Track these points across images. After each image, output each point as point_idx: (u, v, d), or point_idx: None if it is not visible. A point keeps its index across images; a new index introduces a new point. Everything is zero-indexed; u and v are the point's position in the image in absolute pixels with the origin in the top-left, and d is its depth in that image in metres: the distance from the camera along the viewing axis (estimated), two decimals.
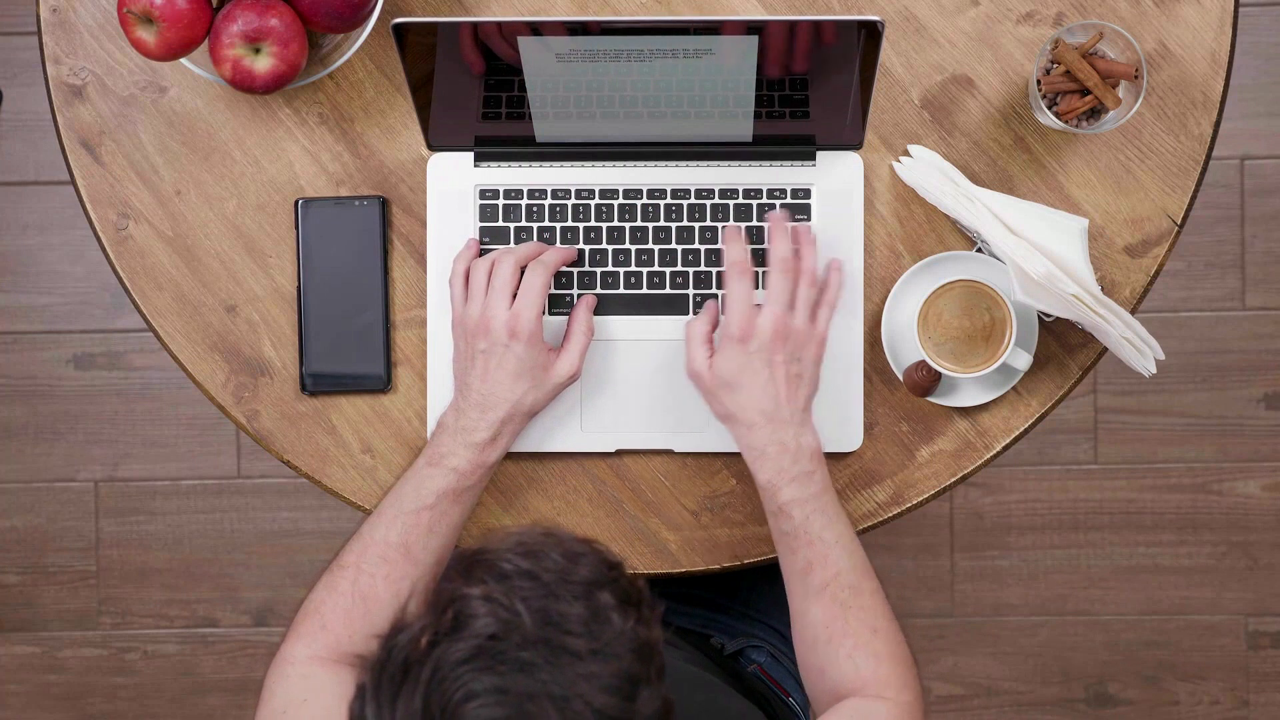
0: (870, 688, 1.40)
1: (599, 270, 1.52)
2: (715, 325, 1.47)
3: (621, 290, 1.52)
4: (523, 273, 1.46)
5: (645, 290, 1.52)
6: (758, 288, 1.49)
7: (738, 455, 1.49)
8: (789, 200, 1.52)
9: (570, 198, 1.52)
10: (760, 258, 1.50)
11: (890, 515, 1.54)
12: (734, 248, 1.47)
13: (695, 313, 1.51)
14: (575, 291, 1.52)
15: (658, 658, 1.09)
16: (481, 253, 1.51)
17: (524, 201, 1.52)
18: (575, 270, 1.52)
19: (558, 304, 1.52)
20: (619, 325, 1.52)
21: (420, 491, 1.44)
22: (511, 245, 1.51)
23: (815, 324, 1.45)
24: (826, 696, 1.42)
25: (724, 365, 1.43)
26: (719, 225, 1.51)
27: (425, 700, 1.04)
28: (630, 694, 1.05)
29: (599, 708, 1.04)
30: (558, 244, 1.52)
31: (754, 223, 1.52)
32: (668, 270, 1.52)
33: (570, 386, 1.50)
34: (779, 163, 1.52)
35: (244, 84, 1.45)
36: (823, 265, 1.49)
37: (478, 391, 1.45)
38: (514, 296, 1.45)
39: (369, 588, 1.42)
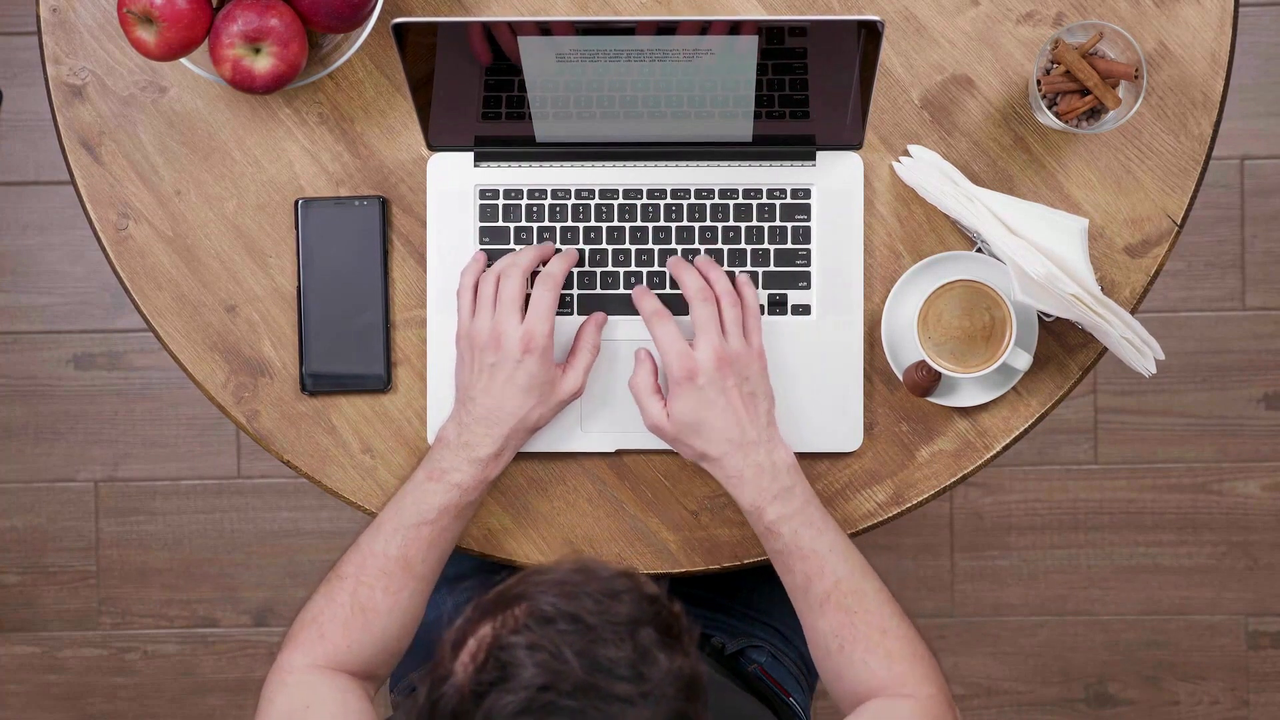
0: (890, 688, 1.40)
1: (599, 270, 1.52)
2: (656, 374, 1.47)
3: (621, 290, 1.52)
4: (530, 283, 1.46)
5: None
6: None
7: None
8: (789, 200, 1.52)
9: (570, 198, 1.52)
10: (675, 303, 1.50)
11: (890, 515, 1.54)
12: (645, 301, 1.48)
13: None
14: (575, 292, 1.52)
15: (703, 693, 1.07)
16: (489, 262, 1.51)
17: (524, 201, 1.52)
18: (575, 270, 1.52)
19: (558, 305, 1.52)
20: (619, 325, 1.52)
21: (421, 506, 1.44)
22: (516, 250, 1.51)
23: (750, 340, 1.45)
24: (848, 700, 1.42)
25: (680, 409, 1.43)
26: (719, 225, 1.52)
27: None
28: None
29: None
30: (557, 243, 1.52)
31: (753, 222, 1.52)
32: (668, 270, 1.52)
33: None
34: (779, 163, 1.52)
35: (244, 84, 1.45)
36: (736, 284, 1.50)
37: (483, 405, 1.44)
38: (523, 309, 1.45)
39: (368, 599, 1.42)
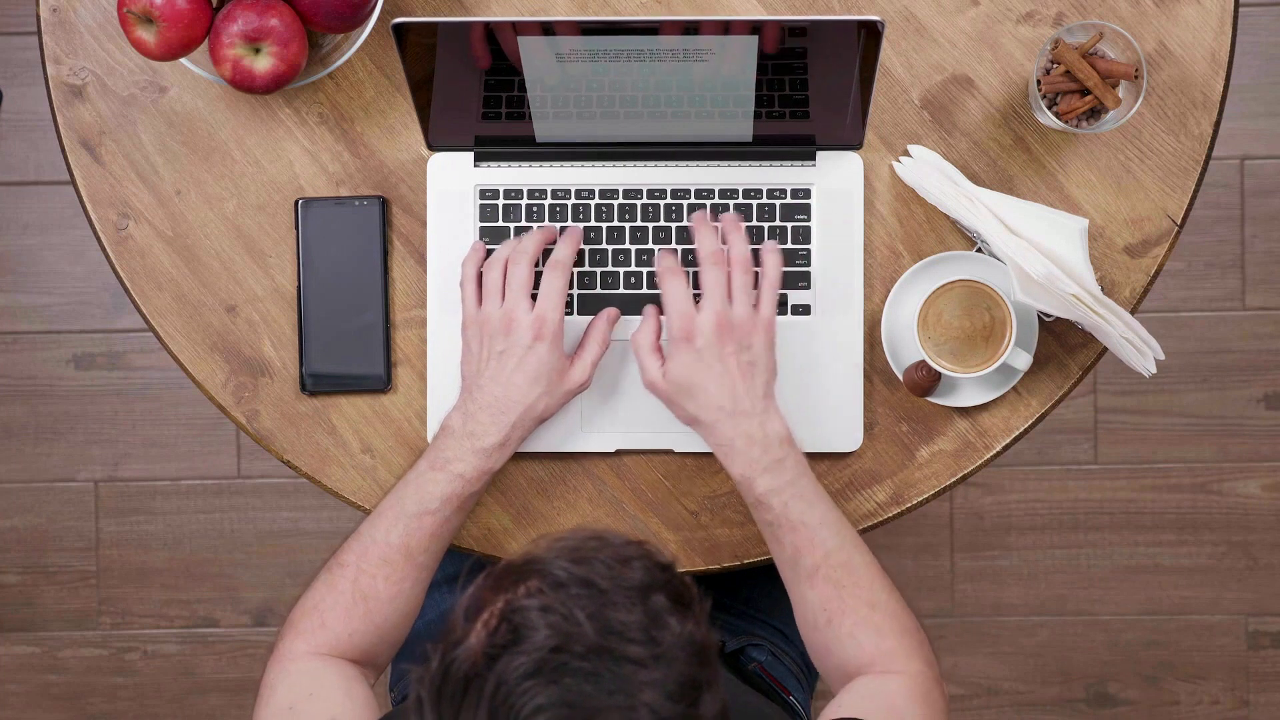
0: (877, 663, 1.39)
1: (599, 270, 1.52)
2: (659, 333, 1.47)
3: (621, 290, 1.52)
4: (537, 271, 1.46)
5: (645, 290, 1.52)
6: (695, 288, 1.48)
7: None
8: (789, 200, 1.52)
9: (570, 198, 1.52)
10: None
11: (890, 515, 1.54)
12: (663, 257, 1.46)
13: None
14: (575, 292, 1.52)
15: (714, 659, 1.08)
16: (488, 253, 1.51)
17: (524, 201, 1.52)
18: (576, 270, 1.52)
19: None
20: (619, 325, 1.52)
21: (423, 496, 1.43)
22: (518, 239, 1.50)
23: (759, 310, 1.44)
24: (836, 675, 1.42)
25: (676, 370, 1.43)
26: (719, 225, 1.51)
27: (491, 716, 1.03)
28: (693, 699, 1.05)
29: (664, 715, 1.03)
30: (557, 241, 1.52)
31: (753, 222, 1.52)
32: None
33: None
34: (779, 163, 1.52)
35: (244, 84, 1.45)
36: (761, 250, 1.49)
37: (490, 393, 1.44)
38: (532, 295, 1.45)
39: (369, 587, 1.42)
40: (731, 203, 1.52)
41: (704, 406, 1.42)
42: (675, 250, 1.50)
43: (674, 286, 1.44)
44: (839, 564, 1.41)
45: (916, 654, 1.40)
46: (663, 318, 1.47)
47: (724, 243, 1.47)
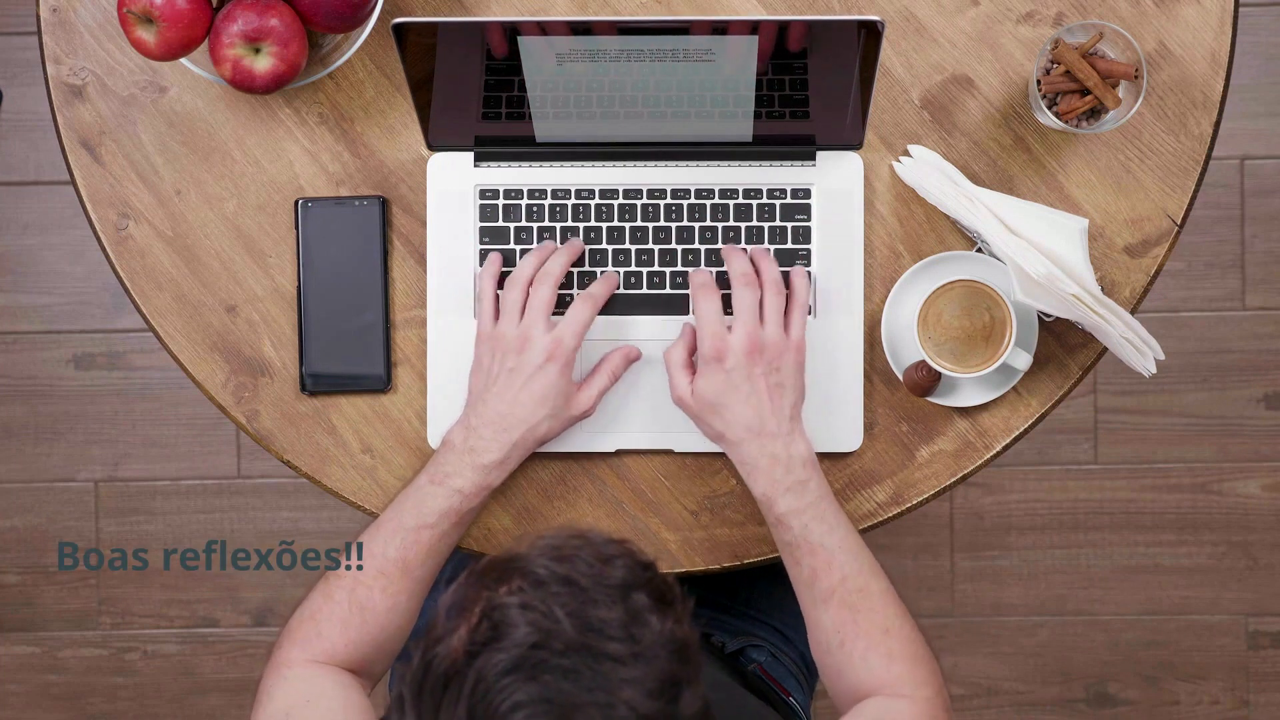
0: (887, 688, 1.40)
1: (599, 270, 1.52)
2: (693, 349, 1.47)
3: (621, 290, 1.52)
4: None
5: (645, 290, 1.52)
6: (727, 309, 1.48)
7: None
8: (789, 200, 1.52)
9: (570, 198, 1.52)
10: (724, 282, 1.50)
11: (890, 515, 1.54)
12: (697, 272, 1.47)
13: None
14: (575, 292, 1.52)
15: (695, 657, 1.09)
16: (505, 267, 1.51)
17: (524, 201, 1.52)
18: (576, 270, 1.52)
19: (559, 305, 1.52)
20: (619, 325, 1.52)
21: (421, 510, 1.44)
22: (540, 248, 1.50)
23: (789, 332, 1.45)
24: (846, 697, 1.42)
25: (705, 387, 1.43)
26: (719, 225, 1.52)
27: (470, 712, 1.03)
28: (673, 696, 1.05)
29: (644, 713, 1.04)
30: (558, 243, 1.52)
31: (753, 222, 1.52)
32: (668, 270, 1.52)
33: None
34: (779, 163, 1.52)
35: (244, 84, 1.45)
36: (791, 275, 1.49)
37: (494, 409, 1.44)
38: (549, 319, 1.45)
39: (366, 598, 1.42)
40: (731, 203, 1.52)
41: (730, 425, 1.43)
42: (710, 270, 1.49)
43: (707, 305, 1.44)
44: (855, 589, 1.41)
45: (928, 681, 1.41)
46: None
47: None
